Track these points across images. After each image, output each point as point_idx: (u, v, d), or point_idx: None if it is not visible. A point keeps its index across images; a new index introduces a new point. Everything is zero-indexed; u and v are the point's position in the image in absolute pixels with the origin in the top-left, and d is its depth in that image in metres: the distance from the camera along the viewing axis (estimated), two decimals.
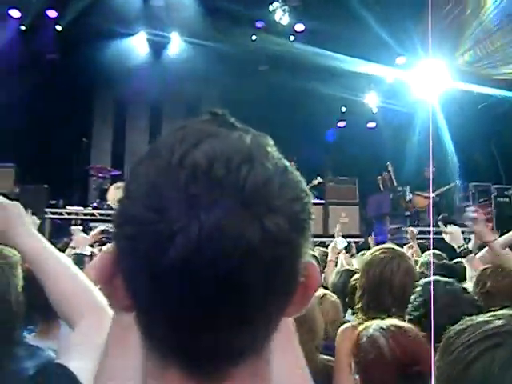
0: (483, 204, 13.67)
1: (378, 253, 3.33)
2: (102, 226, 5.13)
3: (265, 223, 0.72)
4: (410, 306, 2.80)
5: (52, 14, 15.73)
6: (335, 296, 4.20)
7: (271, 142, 0.81)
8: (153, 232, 0.72)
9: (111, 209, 13.50)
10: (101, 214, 13.22)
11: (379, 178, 14.23)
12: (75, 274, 1.75)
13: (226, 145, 0.75)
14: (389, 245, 3.57)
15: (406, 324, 2.33)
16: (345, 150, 15.45)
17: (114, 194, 13.75)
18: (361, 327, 2.34)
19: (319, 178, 12.95)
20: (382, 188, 14.18)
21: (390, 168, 13.96)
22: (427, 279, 2.88)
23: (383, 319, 2.38)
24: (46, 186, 12.83)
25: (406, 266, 3.24)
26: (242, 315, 0.75)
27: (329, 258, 6.54)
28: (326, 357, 3.20)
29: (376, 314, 2.83)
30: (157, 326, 0.78)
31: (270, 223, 0.72)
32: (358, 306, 3.32)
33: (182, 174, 0.72)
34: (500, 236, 4.67)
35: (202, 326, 0.75)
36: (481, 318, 1.54)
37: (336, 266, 6.38)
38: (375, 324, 2.28)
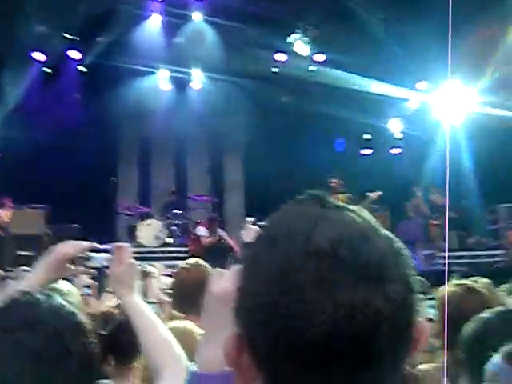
0: None
1: (452, 288, 3.28)
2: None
3: (386, 292, 0.80)
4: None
5: (75, 55, 15.96)
6: None
7: (369, 214, 0.90)
8: (288, 314, 0.80)
9: (142, 246, 13.55)
10: (132, 252, 13.19)
11: (408, 204, 14.14)
12: (161, 332, 1.98)
13: (342, 227, 0.84)
14: (463, 280, 3.52)
15: None
16: (371, 177, 15.38)
17: (145, 231, 13.80)
18: None
19: (378, 192, 12.73)
20: (412, 214, 14.07)
21: (418, 194, 13.87)
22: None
23: None
24: (76, 225, 12.88)
25: (481, 300, 3.19)
26: (376, 377, 0.83)
27: None
28: None
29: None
30: None
31: (391, 291, 0.81)
32: (440, 343, 3.26)
33: (309, 258, 0.80)
34: None
35: None
36: None
37: None
38: None
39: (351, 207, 0.90)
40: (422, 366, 3.34)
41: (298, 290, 0.80)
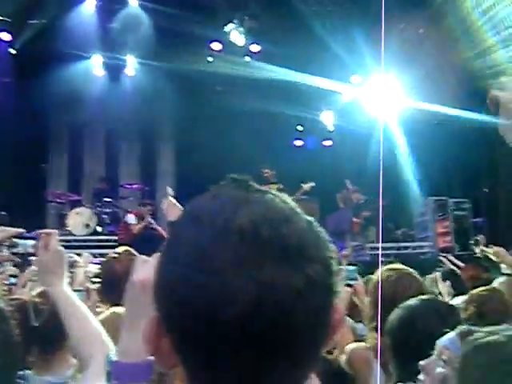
0: (441, 218, 13.88)
1: (386, 272, 3.30)
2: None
3: (307, 272, 0.81)
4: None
5: (5, 37, 15.50)
6: None
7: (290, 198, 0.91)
8: (209, 294, 0.79)
9: (72, 234, 13.33)
10: (61, 240, 12.98)
11: (339, 195, 14.30)
12: (90, 323, 1.96)
13: (264, 209, 0.85)
14: (396, 265, 3.55)
15: None
16: (303, 168, 15.50)
17: (74, 219, 13.58)
18: None
19: (311, 183, 12.97)
20: (342, 205, 14.24)
21: (348, 186, 14.06)
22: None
23: None
24: (3, 212, 12.56)
25: (417, 284, 3.24)
26: (295, 360, 0.84)
27: None
28: None
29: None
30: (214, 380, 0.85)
31: (311, 271, 0.82)
32: (371, 325, 3.30)
33: (231, 238, 0.81)
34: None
35: (260, 375, 0.83)
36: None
37: None
38: None
39: (273, 192, 0.91)
40: (350, 345, 3.39)
41: (219, 271, 0.79)
